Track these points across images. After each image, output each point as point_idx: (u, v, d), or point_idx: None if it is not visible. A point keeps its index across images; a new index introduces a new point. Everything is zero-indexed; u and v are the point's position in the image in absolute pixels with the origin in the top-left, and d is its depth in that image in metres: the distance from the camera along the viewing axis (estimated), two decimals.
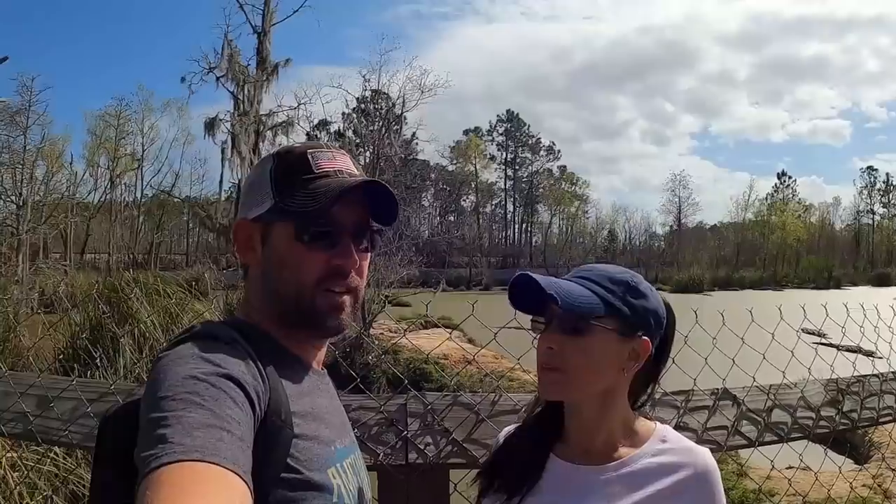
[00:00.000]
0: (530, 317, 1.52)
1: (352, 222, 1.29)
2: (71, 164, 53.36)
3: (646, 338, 1.45)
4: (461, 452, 1.96)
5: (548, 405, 1.58)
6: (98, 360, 7.03)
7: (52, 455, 4.42)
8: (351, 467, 1.28)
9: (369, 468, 1.90)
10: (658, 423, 1.55)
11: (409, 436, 1.96)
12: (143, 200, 61.68)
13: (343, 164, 1.30)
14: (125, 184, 60.34)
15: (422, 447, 1.95)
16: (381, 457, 1.91)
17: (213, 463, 0.86)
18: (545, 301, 1.41)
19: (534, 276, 1.41)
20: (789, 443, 2.27)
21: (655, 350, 1.49)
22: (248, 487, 0.89)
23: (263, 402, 1.08)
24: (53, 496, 4.17)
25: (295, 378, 1.24)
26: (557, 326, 1.43)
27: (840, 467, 2.83)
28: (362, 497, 1.31)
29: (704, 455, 1.46)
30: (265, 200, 1.26)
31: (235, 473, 0.88)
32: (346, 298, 1.30)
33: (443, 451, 1.96)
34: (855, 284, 65.80)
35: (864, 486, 5.90)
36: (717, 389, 2.24)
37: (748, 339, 2.45)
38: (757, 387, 2.29)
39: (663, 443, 1.48)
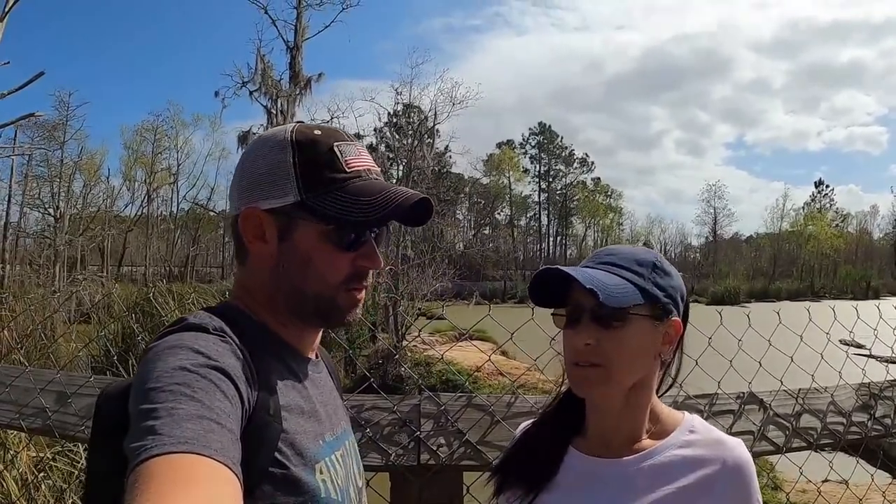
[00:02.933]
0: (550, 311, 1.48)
1: (377, 226, 1.29)
2: (108, 178, 54.29)
3: (676, 318, 1.41)
4: (475, 454, 1.94)
5: (566, 398, 1.53)
6: (129, 368, 7.11)
7: (79, 458, 4.47)
8: (341, 459, 1.26)
9: (381, 469, 1.88)
10: (686, 412, 1.48)
11: (421, 436, 1.94)
12: (179, 214, 62.61)
13: (369, 162, 1.28)
14: (161, 197, 61.26)
15: (435, 448, 1.93)
16: (392, 457, 1.90)
17: (204, 455, 0.85)
18: (564, 293, 1.39)
19: (566, 269, 1.36)
20: (818, 450, 2.20)
21: None
22: (238, 479, 0.88)
23: (252, 396, 1.07)
24: (75, 499, 4.20)
25: (286, 369, 1.23)
26: (591, 320, 1.37)
27: (873, 475, 2.73)
28: (351, 489, 1.28)
29: (736, 448, 1.37)
30: (286, 193, 1.21)
31: (225, 465, 0.87)
32: (363, 295, 1.30)
33: (456, 452, 1.94)
34: (893, 294, 64.71)
35: None
36: (743, 393, 2.19)
37: (777, 345, 2.38)
38: (785, 391, 2.24)
39: (691, 433, 1.40)
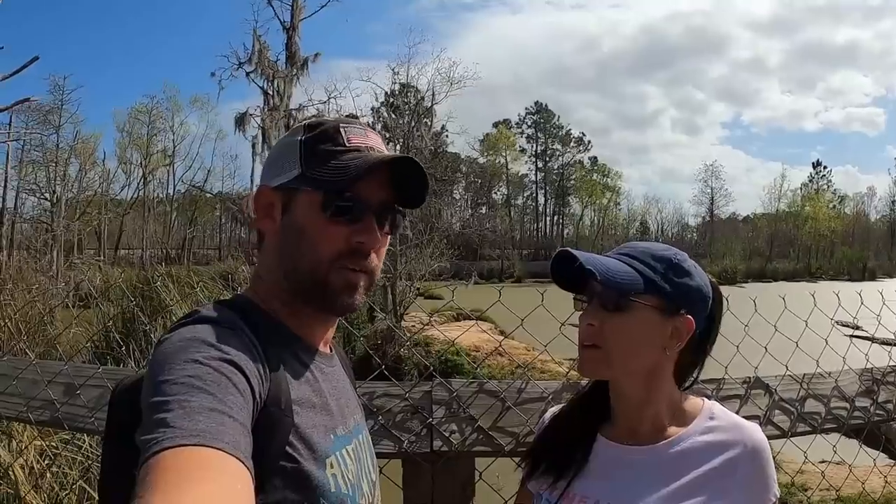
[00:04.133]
0: (573, 295, 1.51)
1: (378, 201, 1.26)
2: (104, 161, 54.00)
3: (689, 316, 1.42)
4: (487, 440, 1.95)
5: (594, 385, 1.57)
6: (130, 352, 7.11)
7: (83, 444, 4.47)
8: (353, 452, 1.26)
9: (393, 456, 1.89)
10: (705, 399, 1.52)
11: (434, 423, 1.95)
12: (175, 196, 62.42)
13: (374, 142, 1.28)
14: (158, 180, 61.04)
15: (447, 435, 1.94)
16: (405, 444, 1.91)
17: (215, 447, 0.85)
18: (587, 278, 1.40)
19: (574, 252, 1.40)
20: (822, 434, 2.22)
21: (702, 329, 1.46)
22: (250, 472, 0.88)
23: (264, 390, 1.07)
24: (84, 484, 4.21)
25: (298, 363, 1.23)
26: (598, 303, 1.42)
27: (875, 460, 2.76)
28: (364, 483, 1.29)
29: (754, 431, 1.42)
30: (291, 169, 1.24)
31: (237, 458, 0.87)
32: (362, 278, 1.27)
33: (468, 438, 1.95)
34: (890, 276, 64.60)
35: None
36: (749, 378, 2.20)
37: (781, 329, 2.40)
38: (790, 376, 2.25)
39: (711, 420, 1.44)
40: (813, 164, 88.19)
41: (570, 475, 1.47)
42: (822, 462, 2.78)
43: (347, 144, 1.23)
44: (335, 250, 1.23)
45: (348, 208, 1.22)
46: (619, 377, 1.47)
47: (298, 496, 1.10)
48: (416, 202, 1.32)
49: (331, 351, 1.38)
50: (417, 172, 1.26)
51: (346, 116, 1.32)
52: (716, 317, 1.51)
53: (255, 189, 1.35)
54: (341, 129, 1.25)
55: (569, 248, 1.42)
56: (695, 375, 1.56)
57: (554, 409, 1.67)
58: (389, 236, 1.33)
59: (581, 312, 1.47)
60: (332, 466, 1.17)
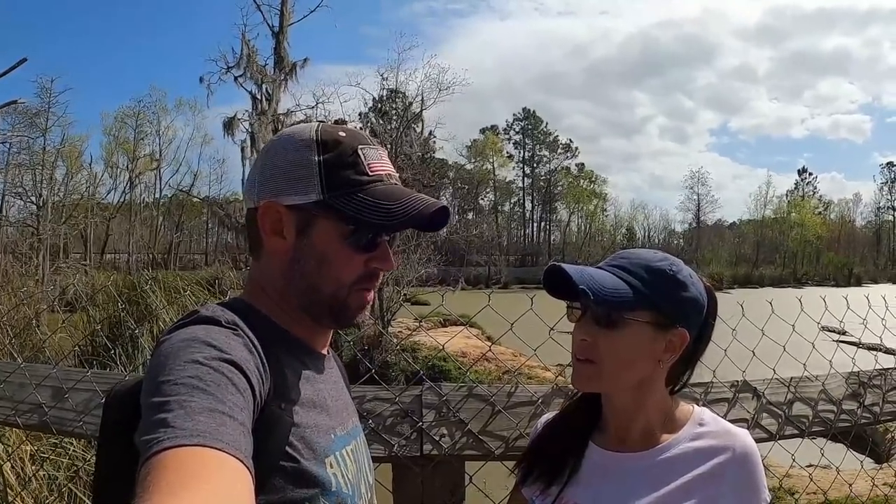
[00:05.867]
0: (566, 303, 1.51)
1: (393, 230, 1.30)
2: (90, 164, 53.69)
3: (683, 329, 1.42)
4: (477, 444, 1.96)
5: (586, 395, 1.57)
6: (117, 357, 7.07)
7: (71, 447, 4.45)
8: (351, 454, 1.27)
9: (384, 459, 1.89)
10: (695, 406, 1.53)
11: (424, 427, 1.96)
12: (162, 200, 62.10)
13: (390, 167, 1.29)
14: (144, 184, 60.76)
15: (437, 439, 1.94)
16: (395, 448, 1.91)
17: (216, 448, 0.85)
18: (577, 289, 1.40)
19: (565, 267, 1.40)
20: (810, 437, 2.24)
21: (695, 336, 1.46)
22: (250, 472, 0.88)
23: (264, 389, 1.08)
24: (72, 487, 4.18)
25: (297, 364, 1.24)
26: (591, 318, 1.42)
27: (862, 462, 2.78)
28: (361, 485, 1.29)
29: (744, 437, 1.43)
30: (309, 191, 1.22)
31: (237, 458, 0.87)
32: (373, 295, 1.31)
33: (458, 442, 1.95)
34: (875, 282, 65.20)
35: (885, 484, 5.85)
36: (737, 381, 2.22)
37: (768, 334, 2.41)
38: (777, 379, 2.27)
39: (701, 426, 1.46)
40: (798, 170, 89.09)
41: (562, 481, 1.48)
42: (810, 466, 2.80)
43: (370, 174, 1.24)
44: (356, 276, 1.26)
45: (374, 242, 1.26)
46: (612, 390, 1.48)
47: (299, 495, 1.10)
48: (431, 229, 1.36)
49: (327, 354, 1.39)
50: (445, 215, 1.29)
51: (336, 121, 1.31)
52: (709, 323, 1.51)
53: (244, 195, 1.34)
54: (360, 153, 1.25)
55: (561, 264, 1.41)
56: (684, 380, 1.56)
57: (547, 416, 1.68)
58: None
59: (574, 323, 1.47)
60: (331, 466, 1.17)
